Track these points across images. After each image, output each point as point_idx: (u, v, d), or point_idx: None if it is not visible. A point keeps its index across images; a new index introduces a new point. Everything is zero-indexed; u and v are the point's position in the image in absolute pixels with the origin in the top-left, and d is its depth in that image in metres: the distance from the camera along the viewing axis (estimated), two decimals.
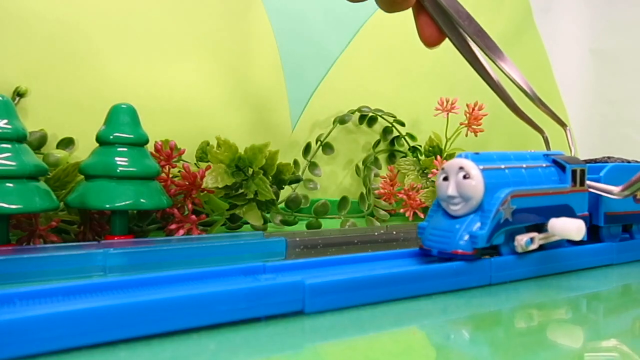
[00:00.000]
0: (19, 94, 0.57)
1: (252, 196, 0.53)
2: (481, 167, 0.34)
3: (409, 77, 0.90)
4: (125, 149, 0.47)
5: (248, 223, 0.58)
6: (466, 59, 0.44)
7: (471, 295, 0.33)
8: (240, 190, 0.53)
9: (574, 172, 0.39)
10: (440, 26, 0.39)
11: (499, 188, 0.34)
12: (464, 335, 0.27)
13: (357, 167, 0.83)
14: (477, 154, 0.35)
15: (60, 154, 0.53)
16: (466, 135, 0.80)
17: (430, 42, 0.41)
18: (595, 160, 0.47)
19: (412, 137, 0.84)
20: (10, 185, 0.40)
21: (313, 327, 0.26)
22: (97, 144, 0.48)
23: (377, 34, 0.86)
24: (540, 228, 0.36)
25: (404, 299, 0.31)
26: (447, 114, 0.79)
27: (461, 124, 0.80)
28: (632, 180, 0.39)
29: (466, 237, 0.33)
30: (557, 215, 0.36)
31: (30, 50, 0.59)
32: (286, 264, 0.33)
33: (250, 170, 0.53)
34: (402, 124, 0.84)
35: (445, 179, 0.35)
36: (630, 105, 1.13)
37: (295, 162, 0.75)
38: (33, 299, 0.25)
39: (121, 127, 0.47)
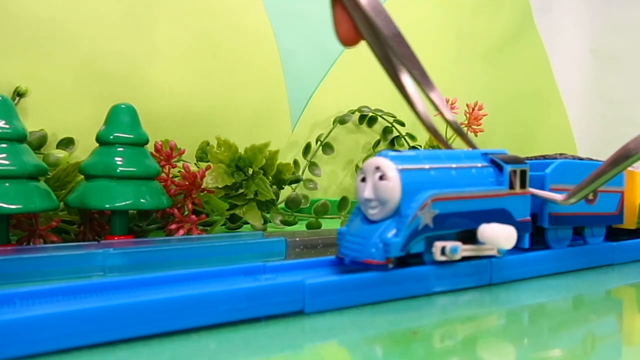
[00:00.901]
0: (19, 94, 0.57)
1: (252, 196, 0.53)
2: (400, 167, 0.31)
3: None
4: (125, 149, 0.47)
5: (248, 223, 0.58)
6: (382, 65, 0.39)
7: (471, 295, 0.33)
8: (240, 190, 0.53)
9: (512, 172, 0.35)
10: (357, 24, 0.34)
11: (419, 190, 0.31)
12: (462, 335, 0.27)
13: (357, 167, 0.83)
14: (399, 152, 0.32)
15: (60, 154, 0.53)
16: None
17: (347, 40, 0.34)
18: (545, 157, 0.42)
19: (412, 137, 0.84)
20: (10, 185, 0.40)
21: (313, 327, 0.26)
22: (97, 144, 0.48)
23: None
24: (475, 234, 0.33)
25: (404, 299, 0.31)
26: None
27: (461, 124, 0.80)
28: (578, 187, 0.35)
29: (379, 245, 0.30)
30: (493, 221, 0.33)
31: (30, 50, 0.59)
32: (286, 264, 0.32)
33: (250, 170, 0.53)
34: (402, 124, 0.84)
35: (364, 180, 0.32)
36: (630, 105, 1.13)
37: (295, 162, 0.75)
38: (33, 299, 0.25)
39: (121, 127, 0.47)
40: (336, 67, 0.82)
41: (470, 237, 0.33)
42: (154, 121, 0.56)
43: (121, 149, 0.47)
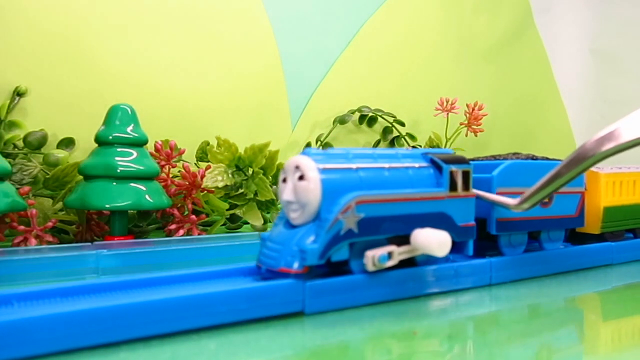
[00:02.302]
0: (19, 94, 0.57)
1: (252, 196, 0.53)
2: (322, 166, 0.28)
3: (409, 77, 0.90)
4: (125, 149, 0.47)
5: (248, 223, 0.58)
6: None
7: (471, 295, 0.33)
8: (240, 190, 0.53)
9: (452, 173, 0.32)
10: None
11: (344, 192, 0.28)
12: (462, 335, 0.27)
13: None
14: (324, 150, 0.30)
15: (60, 153, 0.53)
16: (466, 135, 0.80)
17: None
18: (495, 157, 0.39)
19: (412, 137, 0.84)
20: None
21: (313, 327, 0.26)
22: (97, 144, 0.48)
23: (377, 34, 0.86)
24: (409, 240, 0.30)
25: (404, 299, 0.31)
26: (447, 114, 0.79)
27: (461, 124, 0.80)
28: (532, 191, 0.32)
29: (296, 252, 0.27)
30: (429, 226, 0.30)
31: (30, 50, 0.58)
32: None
33: (250, 170, 0.53)
34: (402, 124, 0.84)
35: (285, 180, 0.29)
36: (630, 105, 1.12)
37: None
38: (31, 300, 0.25)
39: (121, 127, 0.47)
40: (336, 67, 0.82)
41: (404, 241, 0.30)
42: (154, 121, 0.56)
43: (121, 149, 0.47)
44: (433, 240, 0.28)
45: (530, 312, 0.31)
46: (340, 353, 0.24)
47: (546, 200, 0.36)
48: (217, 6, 0.71)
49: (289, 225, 0.29)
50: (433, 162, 0.32)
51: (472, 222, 0.33)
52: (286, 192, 0.29)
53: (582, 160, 0.29)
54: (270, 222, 0.62)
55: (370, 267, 0.29)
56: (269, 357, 0.23)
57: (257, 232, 0.49)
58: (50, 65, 0.60)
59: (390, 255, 0.29)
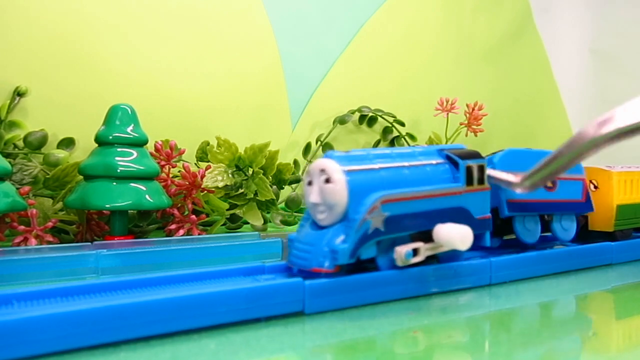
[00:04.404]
0: (19, 94, 0.57)
1: (252, 196, 0.53)
2: (346, 168, 0.29)
3: (409, 77, 0.90)
4: (125, 149, 0.47)
5: (248, 223, 0.58)
6: None
7: (471, 295, 0.33)
8: (240, 190, 0.53)
9: (468, 168, 0.33)
10: None
11: (368, 192, 0.29)
12: (463, 335, 0.27)
13: None
14: (347, 152, 0.30)
15: (60, 153, 0.53)
16: (466, 135, 0.80)
17: None
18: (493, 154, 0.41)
19: (412, 137, 0.84)
20: None
21: (313, 327, 0.26)
22: (97, 144, 0.48)
23: (377, 34, 0.86)
24: (431, 236, 0.31)
25: (404, 299, 0.31)
26: (447, 114, 0.79)
27: (461, 124, 0.80)
28: (532, 170, 0.32)
29: (327, 252, 0.28)
30: (449, 220, 0.31)
31: (30, 50, 0.58)
32: (286, 264, 0.32)
33: (250, 170, 0.53)
34: (402, 124, 0.84)
35: (310, 183, 0.30)
36: None
37: (295, 162, 0.75)
38: (31, 300, 0.25)
39: (121, 127, 0.47)
40: (336, 67, 0.82)
41: (426, 237, 0.31)
42: (154, 121, 0.56)
43: (121, 149, 0.47)
44: (455, 235, 0.30)
45: (530, 312, 0.31)
46: (340, 353, 0.24)
47: (550, 184, 0.39)
48: (217, 6, 0.71)
49: (316, 226, 0.30)
50: (449, 158, 0.33)
51: (488, 215, 0.34)
52: (313, 195, 0.30)
53: (583, 141, 0.29)
54: (270, 222, 0.62)
55: (399, 262, 0.30)
56: (269, 357, 0.23)
57: (257, 232, 0.49)
58: (50, 65, 0.60)
59: (416, 251, 0.30)
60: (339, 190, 0.29)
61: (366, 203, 0.29)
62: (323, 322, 0.27)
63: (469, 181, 0.33)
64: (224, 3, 0.72)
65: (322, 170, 0.29)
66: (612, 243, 0.43)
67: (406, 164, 0.32)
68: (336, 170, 0.29)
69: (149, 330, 0.23)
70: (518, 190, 0.34)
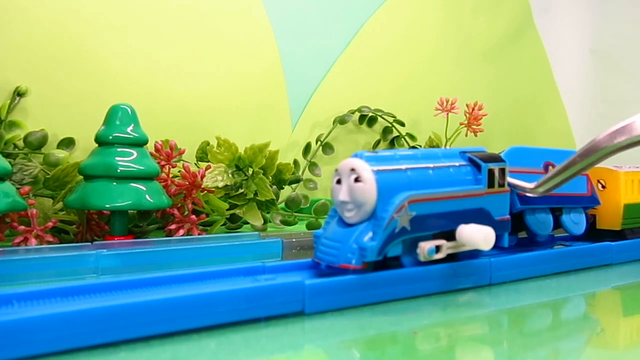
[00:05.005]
0: (19, 94, 0.57)
1: (252, 196, 0.53)
2: (375, 168, 0.30)
3: (409, 77, 0.90)
4: (125, 149, 0.47)
5: (248, 223, 0.58)
6: None
7: (471, 295, 0.33)
8: (240, 190, 0.53)
9: (490, 171, 0.34)
10: None
11: (396, 192, 0.30)
12: (462, 335, 0.27)
13: None
14: (375, 152, 0.31)
15: (60, 154, 0.53)
16: (466, 135, 0.80)
17: None
18: None
19: (412, 137, 0.84)
20: None
21: (313, 327, 0.26)
22: (97, 144, 0.48)
23: (377, 34, 0.86)
24: (454, 235, 0.32)
25: (404, 299, 0.31)
26: (447, 114, 0.79)
27: (461, 124, 0.80)
28: (546, 178, 0.34)
29: (355, 249, 0.29)
30: (471, 221, 0.32)
31: (30, 50, 0.58)
32: (286, 264, 0.32)
33: (250, 170, 0.53)
34: (402, 124, 0.84)
35: (339, 182, 0.31)
36: (630, 105, 1.13)
37: (295, 162, 0.75)
38: (31, 300, 0.25)
39: (121, 127, 0.47)
40: (336, 67, 0.82)
41: (448, 236, 0.32)
42: (154, 121, 0.56)
43: (121, 149, 0.47)
44: (479, 235, 0.31)
45: (530, 312, 0.31)
46: (340, 353, 0.24)
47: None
48: (217, 6, 0.71)
49: (343, 223, 0.31)
50: (471, 161, 0.34)
51: (507, 216, 0.35)
52: (342, 193, 0.30)
53: (596, 151, 0.31)
54: (270, 222, 0.62)
55: (422, 258, 0.31)
56: (269, 357, 0.23)
57: (257, 232, 0.49)
58: (50, 65, 0.60)
59: (437, 248, 0.31)
60: (369, 189, 0.30)
61: (394, 202, 0.30)
62: (323, 322, 0.27)
63: (491, 183, 0.34)
64: (224, 3, 0.72)
65: (352, 170, 0.30)
66: (612, 243, 0.43)
67: (431, 165, 0.33)
68: (366, 170, 0.30)
69: (149, 330, 0.23)
70: (532, 194, 0.36)
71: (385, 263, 0.31)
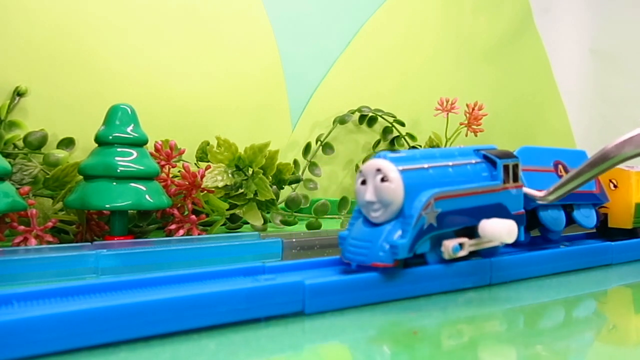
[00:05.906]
0: (19, 93, 0.57)
1: (252, 196, 0.53)
2: (400, 167, 0.31)
3: (409, 77, 0.90)
4: (125, 149, 0.47)
5: (248, 223, 0.58)
6: None
7: (471, 295, 0.33)
8: (240, 190, 0.53)
9: (505, 167, 0.35)
10: None
11: (421, 190, 0.31)
12: (463, 335, 0.27)
13: (357, 167, 0.83)
14: (397, 152, 0.32)
15: (60, 153, 0.53)
16: (466, 135, 0.80)
17: None
18: None
19: (412, 137, 0.84)
20: None
21: (313, 327, 0.26)
22: (97, 144, 0.48)
23: (377, 34, 0.86)
24: (474, 231, 0.33)
25: (404, 299, 0.31)
26: (447, 114, 0.79)
27: (461, 124, 0.80)
28: (555, 186, 0.36)
29: (386, 248, 0.30)
30: (490, 216, 0.33)
31: (30, 50, 0.59)
32: (286, 264, 0.32)
33: (250, 170, 0.53)
34: (402, 124, 0.84)
35: (364, 182, 0.31)
36: (630, 105, 1.13)
37: (295, 162, 0.75)
38: (31, 300, 0.25)
39: (121, 127, 0.47)
40: (336, 67, 0.82)
41: (467, 233, 0.33)
42: (154, 121, 0.56)
43: (121, 149, 0.47)
44: (502, 229, 0.32)
45: (530, 312, 0.31)
46: (340, 353, 0.24)
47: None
48: (217, 6, 0.71)
49: (369, 223, 0.31)
50: (486, 158, 0.35)
51: (522, 210, 0.36)
52: (368, 194, 0.31)
53: (605, 160, 0.33)
54: (270, 222, 0.62)
55: (446, 256, 0.32)
56: (269, 357, 0.23)
57: (257, 232, 0.49)
58: (50, 65, 0.60)
59: (461, 245, 0.32)
60: (396, 189, 0.30)
61: (421, 200, 0.30)
62: (323, 322, 0.27)
63: (506, 179, 0.35)
64: (224, 3, 0.72)
65: (378, 170, 0.31)
66: (612, 243, 0.43)
67: (450, 163, 0.34)
68: (392, 170, 0.30)
69: (149, 330, 0.23)
70: (542, 202, 0.37)
71: (409, 261, 0.31)
